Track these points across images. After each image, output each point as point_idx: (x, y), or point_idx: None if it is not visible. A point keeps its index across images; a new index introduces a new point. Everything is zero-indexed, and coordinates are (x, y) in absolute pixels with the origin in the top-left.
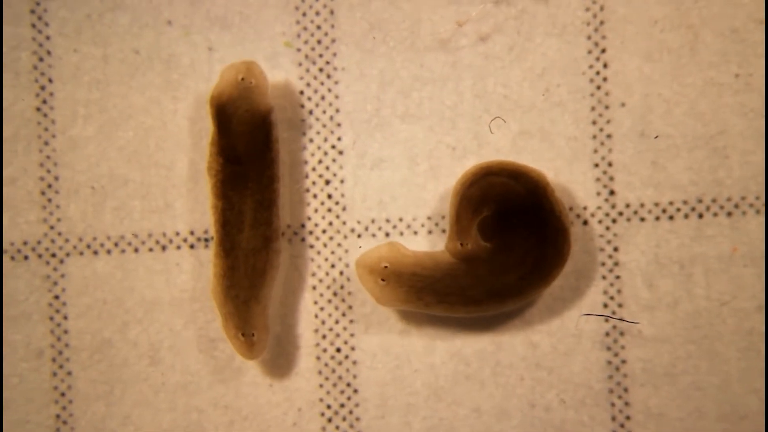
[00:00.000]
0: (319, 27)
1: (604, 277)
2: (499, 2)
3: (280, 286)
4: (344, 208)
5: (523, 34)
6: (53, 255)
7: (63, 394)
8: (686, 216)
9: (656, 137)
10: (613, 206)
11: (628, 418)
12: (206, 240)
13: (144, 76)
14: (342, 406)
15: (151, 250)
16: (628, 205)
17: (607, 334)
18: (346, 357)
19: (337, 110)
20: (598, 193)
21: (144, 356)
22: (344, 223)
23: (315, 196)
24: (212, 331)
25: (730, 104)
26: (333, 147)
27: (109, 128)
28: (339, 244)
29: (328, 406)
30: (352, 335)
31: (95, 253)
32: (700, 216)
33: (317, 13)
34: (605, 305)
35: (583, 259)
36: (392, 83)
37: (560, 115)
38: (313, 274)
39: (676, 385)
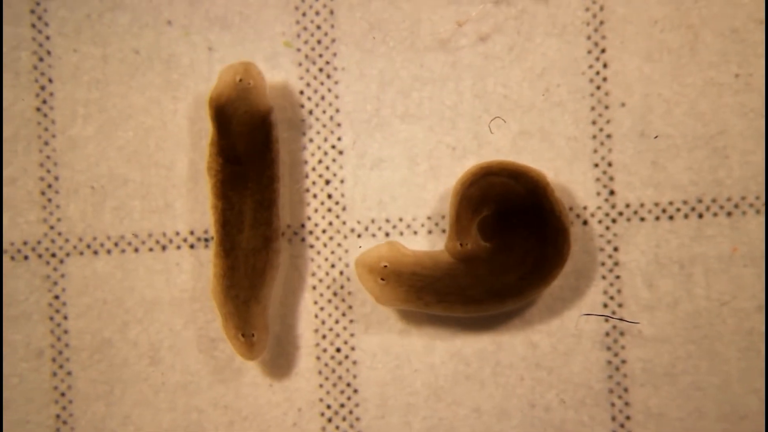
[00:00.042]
0: (319, 27)
1: (604, 277)
2: (499, 2)
3: (280, 286)
4: (344, 208)
5: (523, 34)
6: (53, 255)
7: (63, 394)
8: (686, 216)
9: (656, 137)
10: (613, 206)
11: (628, 418)
12: (206, 240)
13: (144, 76)
14: (342, 406)
15: (151, 250)
16: (628, 205)
17: (607, 334)
18: (346, 357)
19: (337, 110)
20: (598, 193)
21: (144, 356)
22: (344, 223)
23: (315, 196)
24: (212, 331)
25: (730, 104)
26: (333, 147)
27: (108, 128)
28: (339, 244)
29: (328, 406)
30: (352, 335)
31: (95, 253)
32: (700, 216)
33: (317, 13)
34: (605, 305)
35: (583, 259)
36: (392, 83)
37: (560, 115)
38: (313, 274)
39: (676, 385)
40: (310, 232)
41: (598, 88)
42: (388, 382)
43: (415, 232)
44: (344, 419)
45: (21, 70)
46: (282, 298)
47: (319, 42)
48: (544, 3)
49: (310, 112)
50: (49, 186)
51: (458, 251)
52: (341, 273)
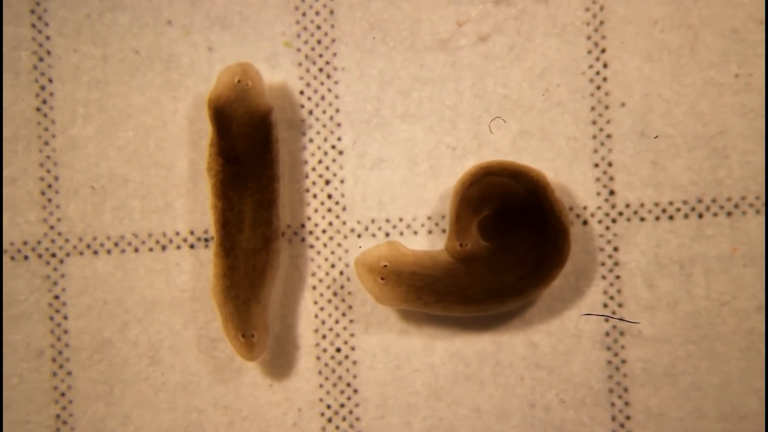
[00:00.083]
0: (319, 27)
1: (604, 277)
2: (499, 2)
3: (280, 286)
4: (344, 208)
5: (523, 34)
6: (53, 255)
7: (63, 394)
8: (686, 216)
9: (656, 137)
10: (613, 206)
11: (628, 418)
12: (206, 240)
13: (144, 76)
14: (342, 406)
15: (151, 250)
16: (628, 205)
17: (607, 334)
18: (346, 357)
19: (337, 110)
20: (598, 193)
21: (144, 356)
22: (344, 223)
23: (315, 196)
24: (212, 331)
25: (730, 104)
26: (333, 147)
27: (108, 128)
28: (339, 244)
29: (328, 406)
30: (352, 335)
31: (95, 253)
32: (700, 216)
33: (317, 13)
34: (605, 305)
35: (583, 259)
36: (392, 83)
37: (560, 115)
38: (313, 274)
39: (676, 385)
40: (310, 232)
41: (598, 88)
42: (388, 382)
43: (415, 232)
44: (344, 419)
45: (21, 70)
46: (282, 298)
47: (319, 42)
48: (544, 3)
49: (310, 112)
50: (49, 186)
51: (458, 251)
52: (341, 273)
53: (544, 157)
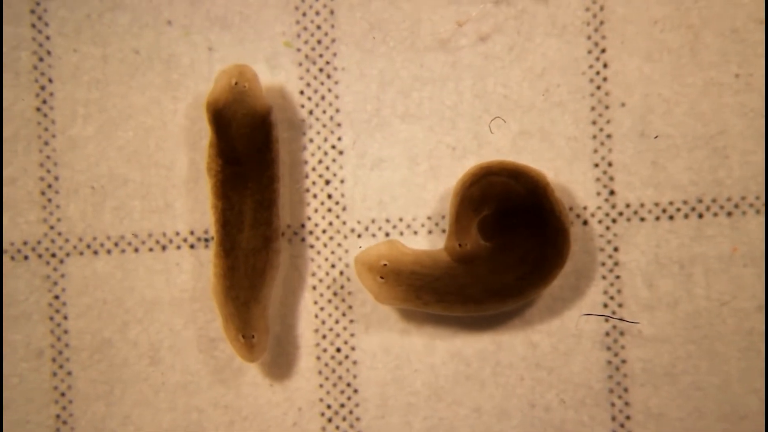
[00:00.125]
0: (319, 27)
1: (604, 277)
2: (499, 2)
3: (280, 286)
4: (344, 208)
5: (523, 34)
6: (53, 255)
7: (63, 394)
8: (686, 216)
9: (656, 137)
10: (613, 206)
11: (628, 418)
12: (206, 240)
13: (144, 76)
14: (342, 406)
15: (151, 250)
16: (628, 205)
17: (607, 334)
18: (346, 357)
19: (337, 110)
20: (598, 193)
21: (144, 356)
22: (344, 223)
23: (315, 196)
24: (212, 331)
25: (730, 104)
26: (333, 147)
27: (108, 128)
28: (339, 244)
29: (328, 406)
30: (352, 335)
31: (95, 253)
32: (700, 216)
33: (317, 13)
34: (605, 305)
35: (583, 259)
36: (392, 83)
37: (560, 115)
38: (313, 274)
39: (676, 385)
40: (310, 232)
41: (598, 88)
42: (388, 382)
43: (415, 232)
44: (344, 419)
45: (21, 70)
46: (282, 298)
47: (319, 42)
48: (544, 3)
49: (310, 112)
50: (49, 186)
51: (458, 251)
52: (341, 273)
53: (544, 157)
